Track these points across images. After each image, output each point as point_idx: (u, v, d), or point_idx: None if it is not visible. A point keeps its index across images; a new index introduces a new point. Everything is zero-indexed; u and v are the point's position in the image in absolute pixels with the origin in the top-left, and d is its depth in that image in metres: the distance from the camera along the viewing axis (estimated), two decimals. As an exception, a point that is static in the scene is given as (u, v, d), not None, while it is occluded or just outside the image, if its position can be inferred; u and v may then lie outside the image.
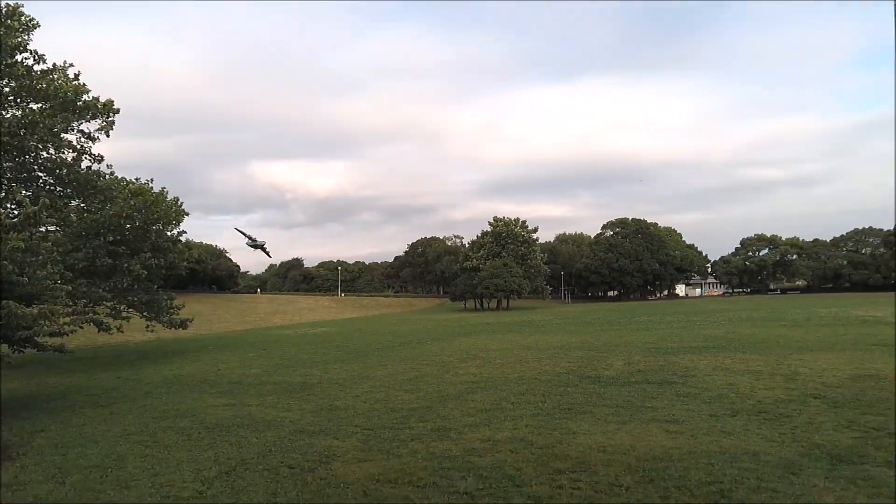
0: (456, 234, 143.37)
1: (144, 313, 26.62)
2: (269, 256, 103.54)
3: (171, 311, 27.14)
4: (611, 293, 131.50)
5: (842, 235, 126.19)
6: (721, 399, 11.44)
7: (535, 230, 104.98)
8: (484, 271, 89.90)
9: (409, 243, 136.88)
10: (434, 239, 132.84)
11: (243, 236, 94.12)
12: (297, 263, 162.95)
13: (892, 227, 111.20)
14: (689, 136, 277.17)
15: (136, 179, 25.53)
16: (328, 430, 10.39)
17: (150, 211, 24.95)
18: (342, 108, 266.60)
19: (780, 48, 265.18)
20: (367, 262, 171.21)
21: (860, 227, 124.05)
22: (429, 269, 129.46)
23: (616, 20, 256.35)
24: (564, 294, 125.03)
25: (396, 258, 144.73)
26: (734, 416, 10.01)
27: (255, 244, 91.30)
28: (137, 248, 25.02)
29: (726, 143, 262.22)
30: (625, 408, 11.10)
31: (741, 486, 6.58)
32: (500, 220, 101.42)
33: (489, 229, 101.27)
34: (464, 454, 8.39)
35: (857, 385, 12.17)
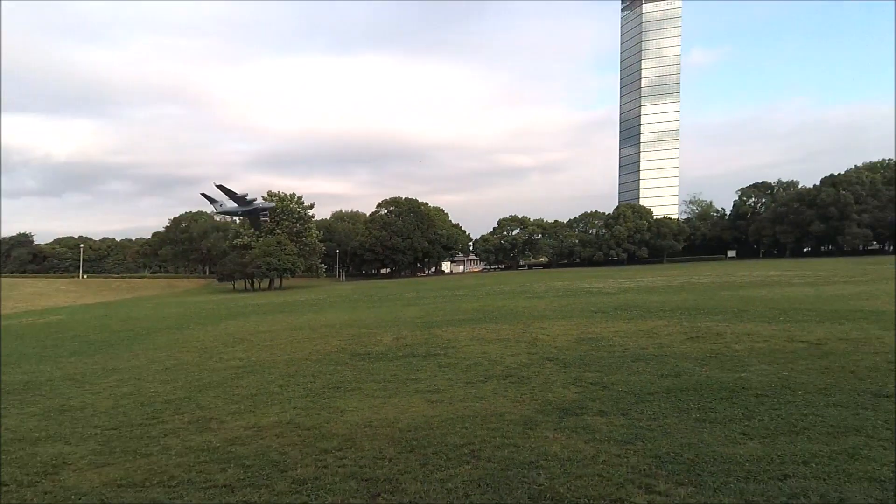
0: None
1: None
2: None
3: None
4: (384, 270, 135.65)
5: (575, 217, 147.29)
6: (476, 367, 12.58)
7: (312, 206, 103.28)
8: (256, 249, 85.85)
9: (171, 218, 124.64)
10: (200, 213, 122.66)
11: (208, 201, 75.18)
12: (24, 240, 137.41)
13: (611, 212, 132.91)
14: (459, 120, 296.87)
15: None
16: (58, 436, 9.00)
17: None
18: (91, 57, 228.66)
19: (535, 45, 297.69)
20: (117, 239, 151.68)
21: (588, 211, 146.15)
22: (193, 246, 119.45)
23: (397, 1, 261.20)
24: (339, 272, 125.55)
25: (155, 234, 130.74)
26: (486, 381, 11.09)
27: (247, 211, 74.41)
28: None
29: (488, 130, 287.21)
30: (391, 382, 11.57)
31: (488, 444, 7.31)
32: (275, 195, 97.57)
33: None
34: (225, 445, 7.94)
35: (581, 347, 14.36)
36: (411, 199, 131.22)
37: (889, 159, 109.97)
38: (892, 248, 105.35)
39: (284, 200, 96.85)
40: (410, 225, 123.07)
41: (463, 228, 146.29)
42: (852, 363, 10.82)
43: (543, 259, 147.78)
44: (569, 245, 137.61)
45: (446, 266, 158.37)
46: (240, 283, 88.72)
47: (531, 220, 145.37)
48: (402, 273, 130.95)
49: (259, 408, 10.02)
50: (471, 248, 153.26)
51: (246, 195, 79.10)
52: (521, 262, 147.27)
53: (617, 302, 26.95)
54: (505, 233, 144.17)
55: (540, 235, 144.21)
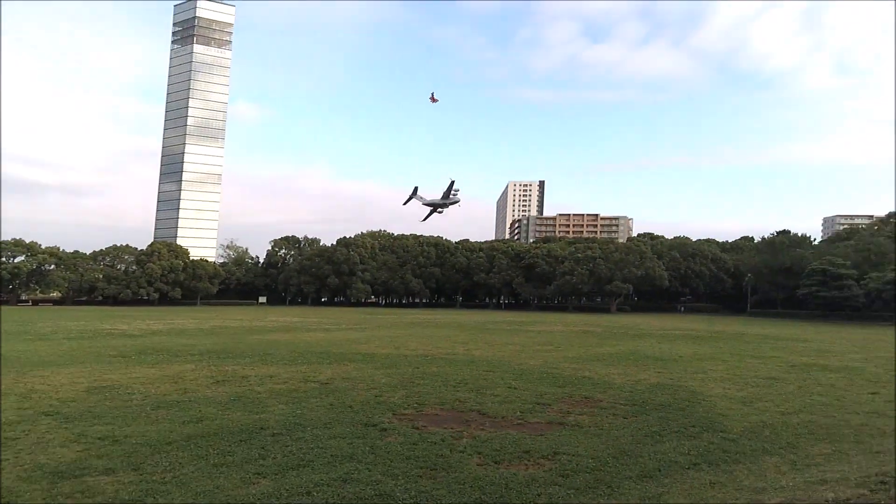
0: None
1: None
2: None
3: None
4: None
5: (102, 250, 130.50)
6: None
7: None
8: None
9: None
10: None
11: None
12: None
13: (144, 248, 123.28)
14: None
15: None
16: None
17: None
18: None
19: (73, 50, 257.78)
20: None
21: (119, 244, 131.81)
22: None
23: None
24: None
25: None
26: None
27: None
28: None
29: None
30: None
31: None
32: None
33: None
34: None
35: (91, 398, 12.59)
36: None
37: (383, 230, 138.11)
38: (384, 301, 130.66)
39: None
40: None
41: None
42: (350, 399, 12.73)
43: (56, 294, 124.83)
44: (91, 279, 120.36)
45: None
46: None
47: (42, 246, 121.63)
48: None
49: None
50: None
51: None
52: (24, 297, 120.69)
53: (142, 345, 24.85)
54: (5, 259, 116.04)
55: (53, 266, 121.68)
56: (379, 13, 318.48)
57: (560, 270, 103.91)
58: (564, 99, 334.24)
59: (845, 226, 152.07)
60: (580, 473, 7.69)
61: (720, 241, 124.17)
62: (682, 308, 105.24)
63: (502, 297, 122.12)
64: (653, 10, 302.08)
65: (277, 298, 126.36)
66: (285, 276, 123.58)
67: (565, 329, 43.49)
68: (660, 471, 7.90)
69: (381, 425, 10.23)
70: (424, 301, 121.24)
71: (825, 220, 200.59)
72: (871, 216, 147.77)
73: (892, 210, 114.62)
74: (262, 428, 9.88)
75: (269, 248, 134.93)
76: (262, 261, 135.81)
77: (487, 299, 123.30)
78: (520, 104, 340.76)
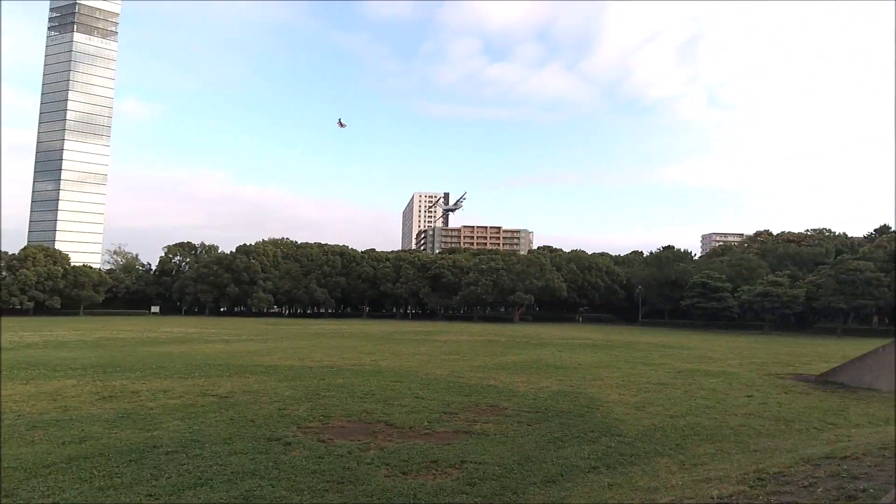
0: None
1: None
2: None
3: None
4: None
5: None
6: None
7: None
8: None
9: None
10: None
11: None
12: None
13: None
14: None
15: None
16: None
17: None
18: None
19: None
20: None
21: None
22: None
23: None
24: None
25: None
26: None
27: None
28: None
29: None
30: None
31: None
32: None
33: None
34: None
35: (-48, 418, 11.26)
36: None
37: (286, 237, 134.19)
38: (287, 311, 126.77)
39: None
40: None
41: None
42: (252, 412, 12.22)
43: None
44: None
45: None
46: None
47: None
48: None
49: None
50: None
51: None
52: None
53: (14, 359, 22.56)
54: None
55: None
56: (278, 15, 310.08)
57: (465, 281, 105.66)
58: (467, 114, 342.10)
59: (720, 243, 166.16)
60: (486, 481, 7.83)
61: (613, 254, 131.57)
62: (581, 318, 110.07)
63: (409, 307, 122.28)
64: (548, 34, 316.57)
65: (172, 308, 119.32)
66: (180, 285, 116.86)
67: (471, 338, 44.18)
68: (562, 475, 8.20)
69: (284, 439, 9.89)
70: (330, 311, 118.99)
71: (703, 237, 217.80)
72: (742, 234, 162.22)
73: (759, 229, 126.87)
74: (154, 446, 9.26)
75: (163, 254, 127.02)
76: (154, 268, 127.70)
77: (395, 309, 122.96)
78: (424, 116, 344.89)
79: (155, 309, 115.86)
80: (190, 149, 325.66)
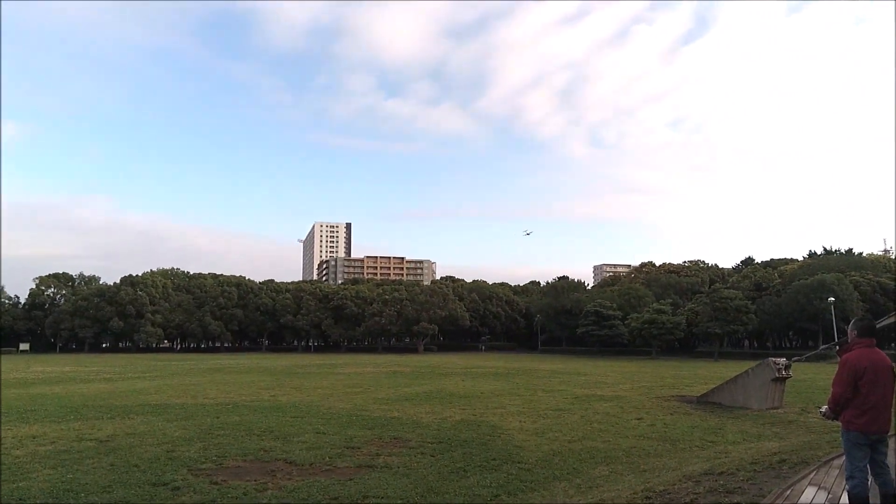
0: None
1: None
2: None
3: None
4: None
5: None
6: None
7: None
8: None
9: None
10: None
11: None
12: None
13: None
14: None
15: None
16: None
17: None
18: None
19: None
20: None
21: None
22: None
23: None
24: None
25: None
26: None
27: None
28: None
29: None
30: None
31: None
32: None
33: None
34: None
35: None
36: None
37: (177, 268, 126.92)
38: (179, 346, 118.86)
39: None
40: None
41: None
42: (136, 456, 11.32)
43: None
44: None
45: None
46: None
47: None
48: None
49: None
50: None
51: None
52: None
53: None
54: None
55: None
56: (164, 41, 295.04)
57: (369, 312, 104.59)
58: (365, 147, 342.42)
59: (610, 273, 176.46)
60: (390, 515, 7.72)
61: (512, 284, 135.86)
62: (483, 347, 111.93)
63: (311, 340, 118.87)
64: (441, 73, 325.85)
65: (45, 345, 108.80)
66: (55, 319, 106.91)
67: (375, 370, 43.58)
68: (465, 504, 8.25)
69: (173, 483, 9.23)
70: (227, 345, 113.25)
71: (595, 268, 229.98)
72: (629, 265, 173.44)
73: (644, 261, 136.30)
74: (20, 499, 8.33)
75: (34, 286, 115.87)
76: (23, 301, 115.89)
77: (296, 342, 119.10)
78: (320, 148, 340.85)
79: (24, 346, 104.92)
80: (67, 174, 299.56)
